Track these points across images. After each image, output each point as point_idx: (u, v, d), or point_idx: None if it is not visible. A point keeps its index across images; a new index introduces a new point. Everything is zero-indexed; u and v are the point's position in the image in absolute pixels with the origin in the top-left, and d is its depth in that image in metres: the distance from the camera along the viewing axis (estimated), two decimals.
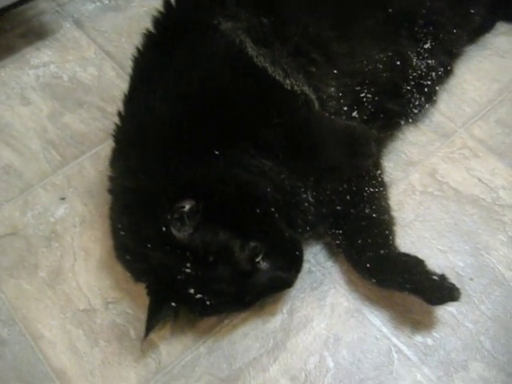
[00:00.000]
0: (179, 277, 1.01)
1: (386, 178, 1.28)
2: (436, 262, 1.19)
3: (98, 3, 1.72)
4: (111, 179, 1.17)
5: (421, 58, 1.33)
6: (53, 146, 1.41)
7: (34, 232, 1.27)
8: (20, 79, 1.55)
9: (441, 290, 1.07)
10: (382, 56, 1.27)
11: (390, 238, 1.18)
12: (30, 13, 1.69)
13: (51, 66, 1.58)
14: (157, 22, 1.24)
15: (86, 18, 1.68)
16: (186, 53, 1.15)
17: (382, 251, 1.14)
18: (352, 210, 1.19)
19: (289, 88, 1.13)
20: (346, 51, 1.24)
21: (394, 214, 1.23)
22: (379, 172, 1.26)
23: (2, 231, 1.27)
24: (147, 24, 1.25)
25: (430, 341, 1.12)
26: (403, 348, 1.11)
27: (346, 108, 1.23)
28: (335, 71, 1.22)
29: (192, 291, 1.01)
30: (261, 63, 1.13)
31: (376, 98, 1.26)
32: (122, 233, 1.09)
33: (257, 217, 1.05)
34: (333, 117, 1.19)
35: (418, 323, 1.13)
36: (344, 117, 1.22)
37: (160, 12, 1.25)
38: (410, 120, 1.38)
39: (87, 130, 1.44)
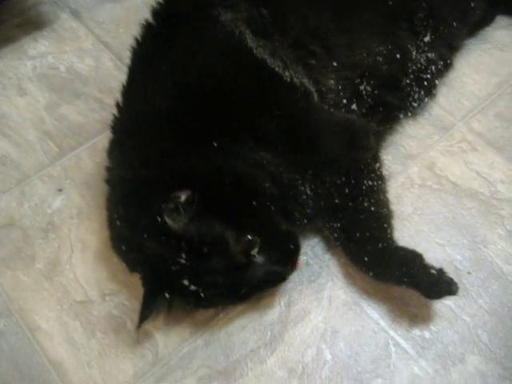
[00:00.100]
0: (174, 267, 1.00)
1: (385, 171, 1.28)
2: (434, 255, 1.19)
3: None
4: (108, 169, 1.17)
5: (420, 51, 1.32)
6: (50, 137, 1.41)
7: (31, 223, 1.27)
8: (17, 70, 1.54)
9: (439, 284, 1.07)
10: (381, 49, 1.26)
11: (389, 231, 1.18)
12: (27, 3, 1.68)
13: (48, 56, 1.57)
14: (156, 12, 1.23)
15: (83, 9, 1.67)
16: (185, 44, 1.14)
17: (380, 245, 1.14)
18: (350, 204, 1.19)
19: (288, 80, 1.12)
20: (345, 43, 1.23)
21: (393, 207, 1.23)
22: (378, 165, 1.25)
23: None
24: (146, 15, 1.24)
25: (427, 334, 1.12)
26: (401, 341, 1.11)
27: (345, 101, 1.23)
28: (335, 63, 1.22)
29: (186, 282, 1.01)
30: (260, 55, 1.12)
31: (375, 91, 1.25)
32: (118, 223, 1.08)
33: (253, 209, 1.04)
34: (332, 109, 1.19)
35: (415, 316, 1.13)
36: (343, 109, 1.22)
37: (159, 3, 1.24)
38: (410, 114, 1.38)
39: (84, 122, 1.43)
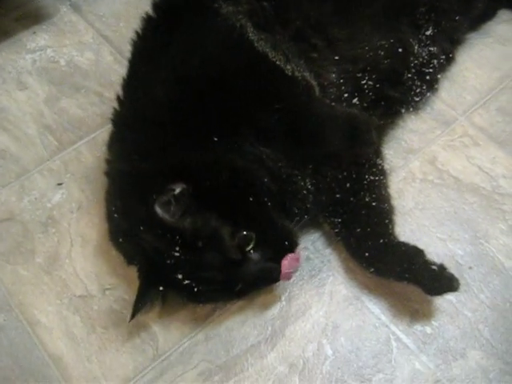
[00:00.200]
0: (168, 261, 1.00)
1: (386, 166, 1.27)
2: (435, 250, 1.19)
3: None
4: (108, 162, 1.17)
5: (422, 45, 1.31)
6: (49, 131, 1.40)
7: (31, 217, 1.26)
8: (16, 63, 1.54)
9: (440, 281, 1.07)
10: (383, 42, 1.25)
11: (390, 227, 1.17)
12: None
13: (48, 50, 1.56)
14: (156, 5, 1.22)
15: (83, 2, 1.66)
16: (186, 37, 1.13)
17: (381, 240, 1.13)
18: (352, 199, 1.18)
19: (289, 73, 1.12)
20: (346, 37, 1.22)
21: (394, 201, 1.22)
22: (379, 160, 1.24)
23: None
24: (146, 8, 1.24)
25: (428, 329, 1.11)
26: (402, 336, 1.11)
27: (346, 95, 1.22)
28: (336, 57, 1.21)
29: (180, 276, 1.00)
30: (261, 48, 1.11)
31: (377, 85, 1.24)
32: (115, 215, 1.08)
33: (249, 205, 1.03)
34: (333, 103, 1.18)
35: (416, 311, 1.13)
36: (344, 104, 1.21)
37: None
38: (411, 108, 1.37)
39: (84, 115, 1.43)
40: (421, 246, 1.13)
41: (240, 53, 1.11)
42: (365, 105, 1.24)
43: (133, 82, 1.17)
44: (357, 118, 1.15)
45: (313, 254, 1.20)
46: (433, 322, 1.12)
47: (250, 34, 1.12)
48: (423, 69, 1.32)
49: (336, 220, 1.19)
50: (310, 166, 1.12)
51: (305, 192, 1.12)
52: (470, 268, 1.18)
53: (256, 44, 1.12)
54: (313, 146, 1.12)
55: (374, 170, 1.21)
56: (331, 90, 1.20)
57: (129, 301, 1.14)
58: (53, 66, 1.53)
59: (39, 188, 1.31)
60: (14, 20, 1.62)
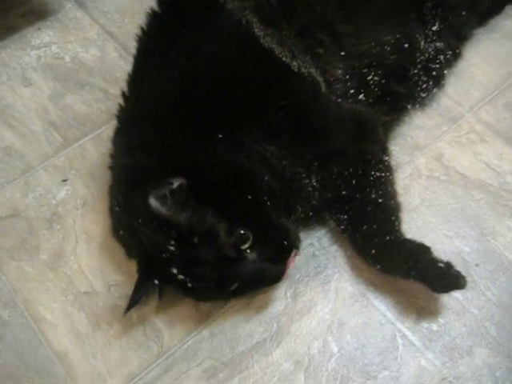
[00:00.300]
0: (164, 255, 0.99)
1: (393, 162, 1.26)
2: (442, 247, 1.18)
3: None
4: (112, 157, 1.17)
5: (429, 40, 1.30)
6: (54, 128, 1.40)
7: (36, 214, 1.26)
8: (21, 60, 1.53)
9: (446, 278, 1.06)
10: (389, 38, 1.25)
11: (396, 224, 1.16)
12: None
13: (53, 46, 1.56)
14: (161, 1, 1.21)
15: None
16: (191, 32, 1.12)
17: (387, 237, 1.12)
18: (358, 195, 1.18)
19: (296, 70, 1.11)
20: (353, 32, 1.22)
21: (400, 198, 1.22)
22: (386, 156, 1.24)
23: (3, 213, 1.26)
24: (150, 4, 1.23)
25: (434, 326, 1.11)
26: (408, 333, 1.10)
27: (352, 91, 1.21)
28: (342, 53, 1.20)
29: (175, 271, 1.00)
30: (267, 44, 1.10)
31: (383, 81, 1.24)
32: (116, 209, 1.08)
33: (248, 203, 1.02)
34: (339, 100, 1.18)
35: (422, 309, 1.12)
36: (350, 100, 1.20)
37: None
38: (418, 104, 1.37)
39: (89, 112, 1.42)
40: (427, 242, 1.12)
41: (246, 49, 1.10)
42: (370, 101, 1.23)
43: (138, 78, 1.17)
44: (363, 114, 1.15)
45: (318, 250, 1.19)
46: (439, 320, 1.11)
47: (256, 30, 1.11)
48: (430, 64, 1.31)
49: (342, 217, 1.18)
50: (316, 163, 1.11)
51: (310, 189, 1.12)
52: (477, 265, 1.17)
53: (262, 40, 1.11)
54: (319, 142, 1.11)
55: (381, 166, 1.21)
56: (337, 86, 1.19)
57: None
58: (57, 63, 1.52)
59: (44, 184, 1.30)
60: (18, 16, 1.61)
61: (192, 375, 1.07)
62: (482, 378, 1.05)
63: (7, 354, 1.09)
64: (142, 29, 1.21)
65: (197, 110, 1.06)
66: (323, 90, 1.15)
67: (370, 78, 1.22)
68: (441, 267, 1.06)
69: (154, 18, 1.21)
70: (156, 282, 1.04)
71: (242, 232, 1.00)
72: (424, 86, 1.32)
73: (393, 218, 1.16)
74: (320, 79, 1.15)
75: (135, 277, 1.13)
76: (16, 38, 1.57)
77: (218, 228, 0.99)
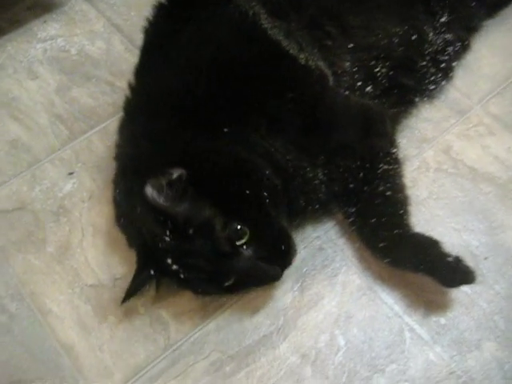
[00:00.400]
0: (160, 244, 0.99)
1: (400, 155, 1.25)
2: (450, 240, 1.17)
3: None
4: (117, 146, 1.16)
5: (437, 32, 1.29)
6: (61, 121, 1.40)
7: (42, 207, 1.26)
8: (27, 53, 1.53)
9: (456, 272, 1.05)
10: (397, 30, 1.24)
11: (405, 217, 1.15)
12: None
13: (59, 39, 1.56)
14: None
15: None
16: (198, 24, 1.12)
17: (396, 231, 1.12)
18: (365, 188, 1.17)
19: (303, 62, 1.10)
20: (361, 24, 1.21)
21: (408, 191, 1.20)
22: (394, 149, 1.23)
23: (9, 206, 1.26)
24: None
25: (442, 320, 1.10)
26: (415, 327, 1.09)
27: (360, 83, 1.20)
28: (350, 45, 1.19)
29: (169, 261, 0.99)
30: (275, 36, 1.10)
31: (391, 73, 1.23)
32: (118, 197, 1.09)
33: (247, 199, 1.01)
34: (347, 92, 1.17)
35: (430, 302, 1.11)
36: (358, 92, 1.20)
37: None
38: (425, 97, 1.35)
39: (95, 105, 1.42)
40: (435, 236, 1.12)
41: (253, 41, 1.10)
42: (378, 93, 1.22)
43: (145, 69, 1.17)
44: (371, 108, 1.14)
45: (326, 243, 1.19)
46: (447, 313, 1.10)
47: (264, 22, 1.11)
48: (438, 56, 1.30)
49: (350, 210, 1.18)
50: (322, 157, 1.10)
51: (317, 182, 1.11)
52: (486, 259, 1.16)
53: (269, 32, 1.10)
54: (325, 136, 1.10)
55: (388, 159, 1.20)
56: (345, 79, 1.18)
57: (140, 290, 1.13)
58: (64, 56, 1.52)
59: (50, 177, 1.30)
60: (24, 9, 1.61)
61: (199, 368, 1.06)
62: (490, 372, 1.05)
63: (14, 346, 1.09)
64: (148, 20, 1.21)
65: (202, 101, 1.06)
66: (331, 83, 1.14)
67: (377, 69, 1.22)
68: (450, 261, 1.05)
69: (160, 10, 1.21)
70: (152, 272, 1.04)
71: (239, 227, 0.99)
72: (432, 78, 1.31)
73: (401, 211, 1.15)
74: (328, 72, 1.14)
75: None
76: (22, 31, 1.57)
77: (214, 221, 0.98)
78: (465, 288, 1.12)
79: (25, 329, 1.11)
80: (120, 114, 1.20)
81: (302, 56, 1.10)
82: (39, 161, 1.33)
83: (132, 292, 1.06)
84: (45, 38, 1.56)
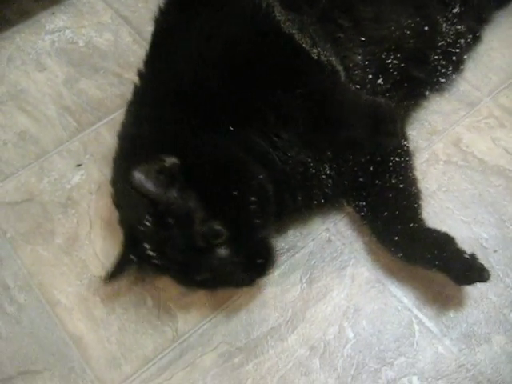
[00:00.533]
0: (141, 228, 0.99)
1: (411, 147, 1.24)
2: (459, 233, 1.16)
3: None
4: (122, 125, 1.17)
5: (449, 23, 1.27)
6: (69, 113, 1.40)
7: (50, 198, 1.26)
8: (35, 44, 1.53)
9: (471, 270, 1.03)
10: (410, 21, 1.22)
11: (419, 211, 1.14)
12: None
13: (66, 31, 1.55)
14: None
15: None
16: (210, 14, 1.11)
17: (410, 224, 1.11)
18: (377, 181, 1.16)
19: (315, 57, 1.08)
20: (373, 16, 1.19)
21: (419, 184, 1.20)
22: (404, 141, 1.22)
23: (18, 197, 1.27)
24: None
25: (452, 313, 1.09)
26: (424, 320, 1.09)
27: (370, 76, 1.19)
28: (362, 38, 1.18)
29: (146, 246, 0.99)
30: (288, 29, 1.08)
31: (402, 65, 1.21)
32: (115, 176, 1.10)
33: (233, 201, 1.00)
34: (358, 86, 1.16)
35: (440, 295, 1.11)
36: (369, 85, 1.18)
37: None
38: (436, 90, 1.34)
39: (103, 96, 1.42)
40: (444, 228, 1.11)
41: (265, 33, 1.08)
42: (388, 86, 1.21)
43: (155, 59, 1.16)
44: (381, 107, 1.11)
45: (334, 235, 1.18)
46: (456, 306, 1.10)
47: (277, 14, 1.09)
48: (449, 49, 1.29)
49: (361, 204, 1.17)
50: (329, 152, 1.10)
51: (323, 177, 1.10)
52: (495, 251, 1.16)
53: (282, 25, 1.09)
54: (334, 133, 1.09)
55: (399, 151, 1.19)
56: (356, 72, 1.17)
57: (149, 282, 1.14)
58: (71, 47, 1.52)
59: (58, 169, 1.30)
60: (32, 1, 1.61)
61: (207, 360, 1.06)
62: (499, 366, 1.04)
63: (23, 337, 1.10)
64: (159, 9, 1.20)
65: (210, 94, 1.05)
66: (342, 79, 1.13)
67: (388, 61, 1.20)
68: (466, 258, 1.04)
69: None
70: (132, 257, 1.04)
71: (217, 227, 0.98)
72: (443, 70, 1.30)
73: (415, 204, 1.14)
74: (339, 68, 1.13)
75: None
76: (30, 23, 1.57)
77: (194, 214, 0.97)
78: None
79: (33, 320, 1.12)
80: None
81: (314, 51, 1.09)
82: (47, 152, 1.33)
83: (113, 275, 1.06)
84: (53, 29, 1.56)
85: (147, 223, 0.97)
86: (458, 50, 1.30)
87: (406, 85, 1.24)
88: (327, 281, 1.13)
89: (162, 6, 1.20)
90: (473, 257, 1.04)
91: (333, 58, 1.12)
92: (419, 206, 1.15)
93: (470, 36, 1.34)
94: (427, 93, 1.32)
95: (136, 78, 1.19)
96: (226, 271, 1.00)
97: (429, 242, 1.08)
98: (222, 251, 1.00)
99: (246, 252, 1.01)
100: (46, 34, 1.55)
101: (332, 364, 1.05)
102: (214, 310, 1.11)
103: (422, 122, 1.33)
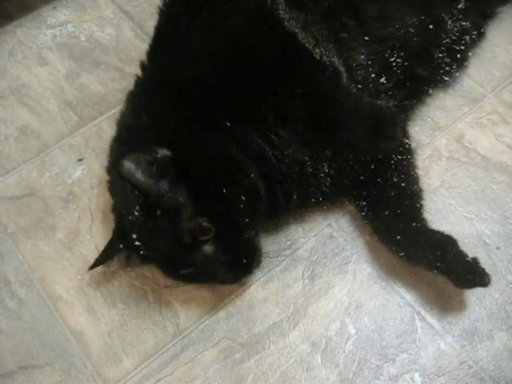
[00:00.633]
0: (130, 217, 0.99)
1: (412, 144, 1.24)
2: (462, 229, 1.16)
3: None
4: (121, 112, 1.17)
5: (454, 19, 1.26)
6: (70, 107, 1.39)
7: (52, 193, 1.26)
8: (37, 39, 1.53)
9: (473, 273, 1.03)
10: (414, 20, 1.21)
11: (422, 211, 1.14)
12: None
13: (68, 25, 1.55)
14: None
15: None
16: (214, 9, 1.10)
17: (413, 224, 1.10)
18: (378, 180, 1.15)
19: (317, 57, 1.07)
20: (378, 15, 1.18)
21: (421, 183, 1.19)
22: (406, 139, 1.21)
23: (19, 192, 1.26)
24: None
25: (454, 309, 1.09)
26: (427, 316, 1.08)
27: (373, 75, 1.18)
28: (366, 38, 1.17)
29: (134, 236, 1.00)
30: (291, 27, 1.07)
31: (406, 63, 1.20)
32: (109, 164, 1.11)
33: (223, 198, 0.99)
34: (360, 85, 1.15)
35: (442, 291, 1.10)
36: (371, 84, 1.17)
37: None
38: (439, 88, 1.34)
39: (105, 91, 1.41)
40: (447, 225, 1.11)
41: (268, 30, 1.07)
42: (391, 85, 1.20)
43: (157, 50, 1.16)
44: (383, 110, 1.10)
45: (336, 231, 1.18)
46: (459, 303, 1.09)
47: (281, 12, 1.08)
48: (454, 46, 1.28)
49: (361, 203, 1.16)
50: (328, 152, 1.09)
51: (321, 175, 1.10)
52: (498, 248, 1.15)
53: (286, 23, 1.08)
54: (333, 134, 1.08)
55: (401, 149, 1.18)
56: (359, 72, 1.16)
57: (150, 278, 1.14)
58: (73, 42, 1.51)
59: (60, 164, 1.30)
60: None
61: (208, 355, 1.06)
62: (502, 363, 1.04)
63: (24, 332, 1.09)
64: (164, 2, 1.19)
65: (210, 89, 1.04)
66: (344, 80, 1.11)
67: (392, 60, 1.19)
68: (468, 261, 1.03)
69: None
70: (120, 246, 1.06)
71: (205, 224, 0.98)
72: (447, 68, 1.29)
73: (417, 204, 1.14)
74: (342, 69, 1.11)
75: None
76: (32, 17, 1.57)
77: (183, 209, 0.97)
78: None
79: (34, 315, 1.11)
80: None
81: (317, 51, 1.08)
82: (49, 147, 1.33)
83: (100, 262, 1.08)
84: (54, 24, 1.55)
85: (137, 213, 0.97)
86: (462, 48, 1.29)
87: (409, 83, 1.23)
88: (329, 277, 1.13)
89: None
90: (475, 260, 1.04)
91: (335, 59, 1.11)
92: (421, 205, 1.14)
93: (475, 32, 1.33)
94: (430, 91, 1.32)
95: (138, 72, 1.18)
96: (210, 268, 1.01)
97: (431, 242, 1.07)
98: (208, 248, 1.00)
99: (232, 251, 1.02)
100: (47, 28, 1.54)
101: (334, 360, 1.05)
102: (215, 305, 1.11)
103: (425, 117, 1.32)
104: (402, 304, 1.10)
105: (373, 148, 1.10)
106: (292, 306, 1.10)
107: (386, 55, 1.19)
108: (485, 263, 1.05)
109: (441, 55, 1.27)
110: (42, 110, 1.39)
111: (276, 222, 1.18)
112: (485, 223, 1.18)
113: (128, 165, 0.92)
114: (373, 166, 1.15)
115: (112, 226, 1.16)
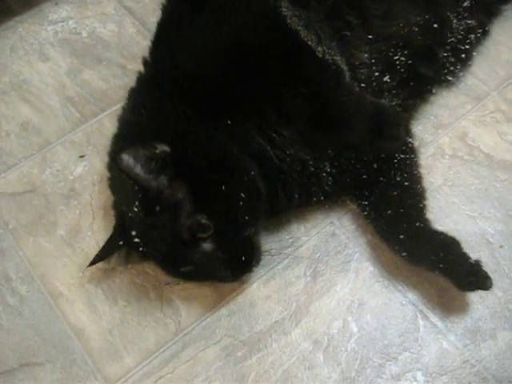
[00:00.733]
0: (129, 214, 0.99)
1: (416, 143, 1.23)
2: (465, 227, 1.16)
3: None
4: (122, 108, 1.17)
5: (460, 18, 1.26)
6: (72, 103, 1.39)
7: (53, 190, 1.25)
8: (38, 35, 1.52)
9: (475, 276, 1.02)
10: (419, 19, 1.20)
11: (425, 211, 1.13)
12: None
13: (70, 21, 1.54)
14: None
15: None
16: (217, 5, 1.10)
17: (416, 223, 1.09)
18: (381, 179, 1.15)
19: (320, 56, 1.07)
20: (382, 13, 1.18)
21: (424, 182, 1.19)
22: (409, 138, 1.20)
23: (20, 188, 1.26)
24: None
25: (457, 308, 1.08)
26: (429, 315, 1.08)
27: (377, 74, 1.17)
28: (370, 36, 1.16)
29: (134, 233, 1.00)
30: (294, 25, 1.07)
31: (409, 62, 1.20)
32: (110, 159, 1.10)
33: (222, 196, 0.99)
34: (363, 84, 1.14)
35: (444, 290, 1.10)
36: (375, 82, 1.17)
37: None
38: (443, 87, 1.33)
39: (107, 87, 1.41)
40: (450, 223, 1.11)
41: (271, 28, 1.07)
42: (394, 83, 1.19)
43: (159, 46, 1.16)
44: (385, 109, 1.09)
45: (339, 229, 1.17)
46: (462, 301, 1.09)
47: (284, 9, 1.08)
48: (459, 45, 1.27)
49: (363, 202, 1.16)
50: (330, 151, 1.09)
51: (323, 175, 1.09)
52: (501, 247, 1.15)
53: (289, 20, 1.07)
54: (335, 134, 1.08)
55: (404, 148, 1.18)
56: (362, 71, 1.15)
57: (152, 275, 1.13)
58: (75, 38, 1.51)
59: (61, 160, 1.30)
60: None
61: (210, 353, 1.06)
62: (504, 362, 1.03)
63: (25, 329, 1.09)
64: None
65: (211, 86, 1.04)
66: (347, 79, 1.11)
67: (396, 58, 1.18)
68: (471, 264, 1.03)
69: None
70: (120, 242, 1.05)
71: (204, 221, 0.98)
72: (451, 68, 1.28)
73: (420, 203, 1.13)
74: (344, 68, 1.11)
75: None
76: (33, 13, 1.56)
77: (182, 206, 0.97)
78: None
79: (35, 312, 1.11)
80: None
81: (319, 49, 1.07)
82: (50, 143, 1.32)
83: (100, 258, 1.08)
84: (56, 20, 1.55)
85: (136, 209, 0.97)
86: (467, 47, 1.28)
87: (412, 82, 1.22)
88: (331, 275, 1.13)
89: None
90: (478, 263, 1.03)
91: (338, 58, 1.10)
92: (424, 205, 1.14)
93: (480, 31, 1.32)
94: (434, 90, 1.31)
95: (140, 69, 1.18)
96: (209, 265, 1.01)
97: (434, 243, 1.06)
98: (207, 246, 1.00)
99: (231, 248, 1.01)
100: (49, 24, 1.54)
101: (336, 358, 1.04)
102: (217, 303, 1.11)
103: (428, 115, 1.32)
104: (404, 302, 1.09)
105: (375, 147, 1.10)
106: (294, 304, 1.10)
107: (390, 54, 1.19)
108: (488, 262, 1.05)
109: (445, 54, 1.26)
110: (43, 106, 1.39)
111: (278, 220, 1.18)
112: (488, 222, 1.18)
113: (126, 158, 0.92)
114: (375, 165, 1.14)
115: (113, 222, 1.16)
